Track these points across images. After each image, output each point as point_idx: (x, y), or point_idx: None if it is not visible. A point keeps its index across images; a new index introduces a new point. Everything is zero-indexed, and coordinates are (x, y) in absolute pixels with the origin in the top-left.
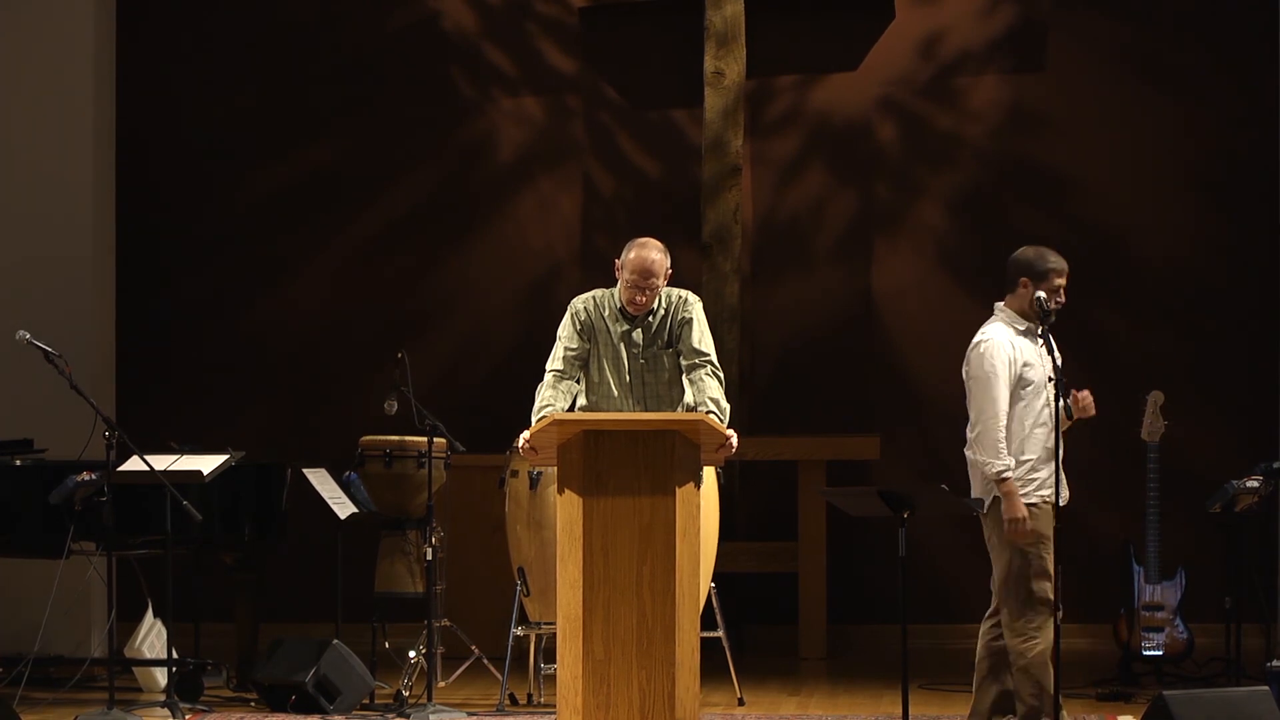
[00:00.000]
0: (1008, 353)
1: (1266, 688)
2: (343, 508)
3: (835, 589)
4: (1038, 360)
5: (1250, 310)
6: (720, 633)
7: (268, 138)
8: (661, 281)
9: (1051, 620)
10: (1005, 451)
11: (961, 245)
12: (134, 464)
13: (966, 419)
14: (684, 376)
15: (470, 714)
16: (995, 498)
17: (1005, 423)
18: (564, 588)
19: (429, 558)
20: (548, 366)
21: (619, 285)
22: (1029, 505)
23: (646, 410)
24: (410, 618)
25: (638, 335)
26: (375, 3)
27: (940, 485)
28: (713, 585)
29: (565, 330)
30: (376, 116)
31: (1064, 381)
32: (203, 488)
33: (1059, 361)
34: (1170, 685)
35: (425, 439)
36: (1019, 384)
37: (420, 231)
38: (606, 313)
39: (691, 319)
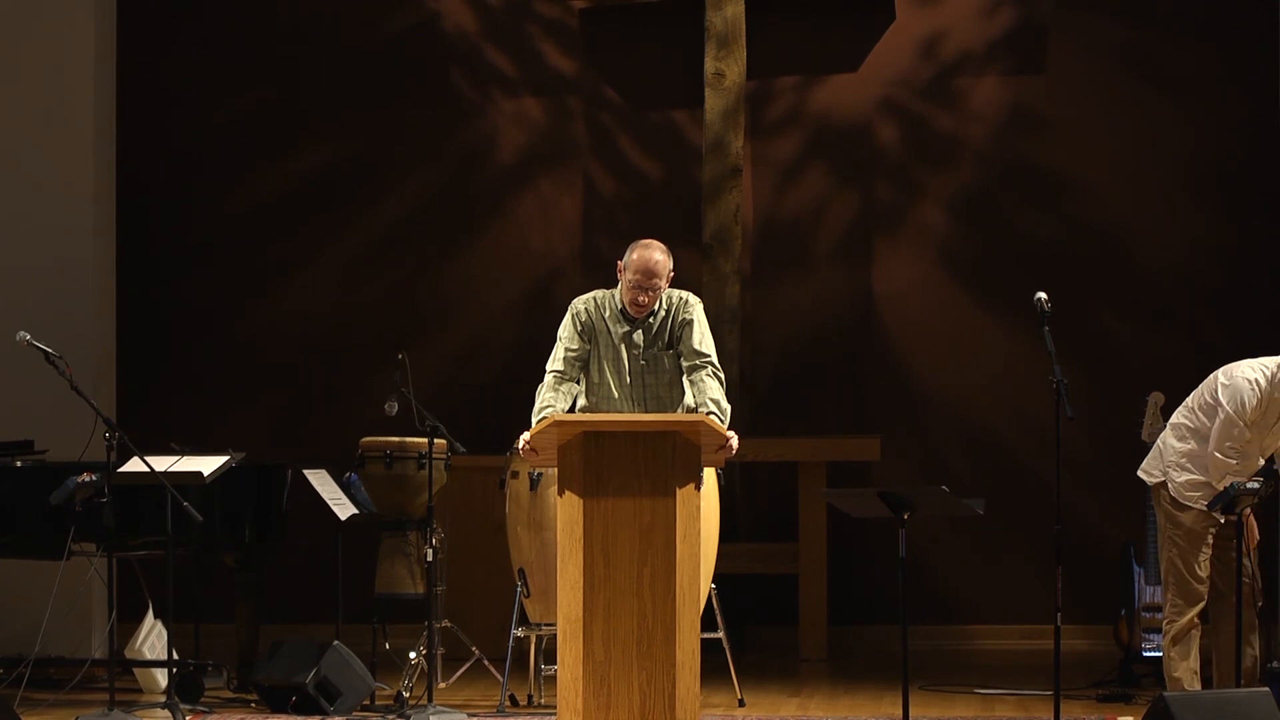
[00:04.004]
0: None
1: (1266, 689)
2: (343, 509)
3: (835, 590)
4: None
5: (1250, 311)
6: (721, 634)
7: (268, 139)
8: (664, 282)
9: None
10: None
11: (962, 246)
12: (134, 465)
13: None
14: (684, 378)
15: (471, 715)
16: None
17: None
18: (564, 589)
19: (429, 559)
20: (548, 367)
21: (620, 286)
22: None
23: (646, 411)
24: (411, 619)
25: (638, 336)
26: (375, 4)
27: (940, 486)
28: (713, 586)
29: (566, 331)
30: (377, 118)
31: (1065, 382)
32: (203, 489)
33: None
34: None
35: (425, 440)
36: None
37: (421, 233)
38: (607, 314)
39: (692, 320)
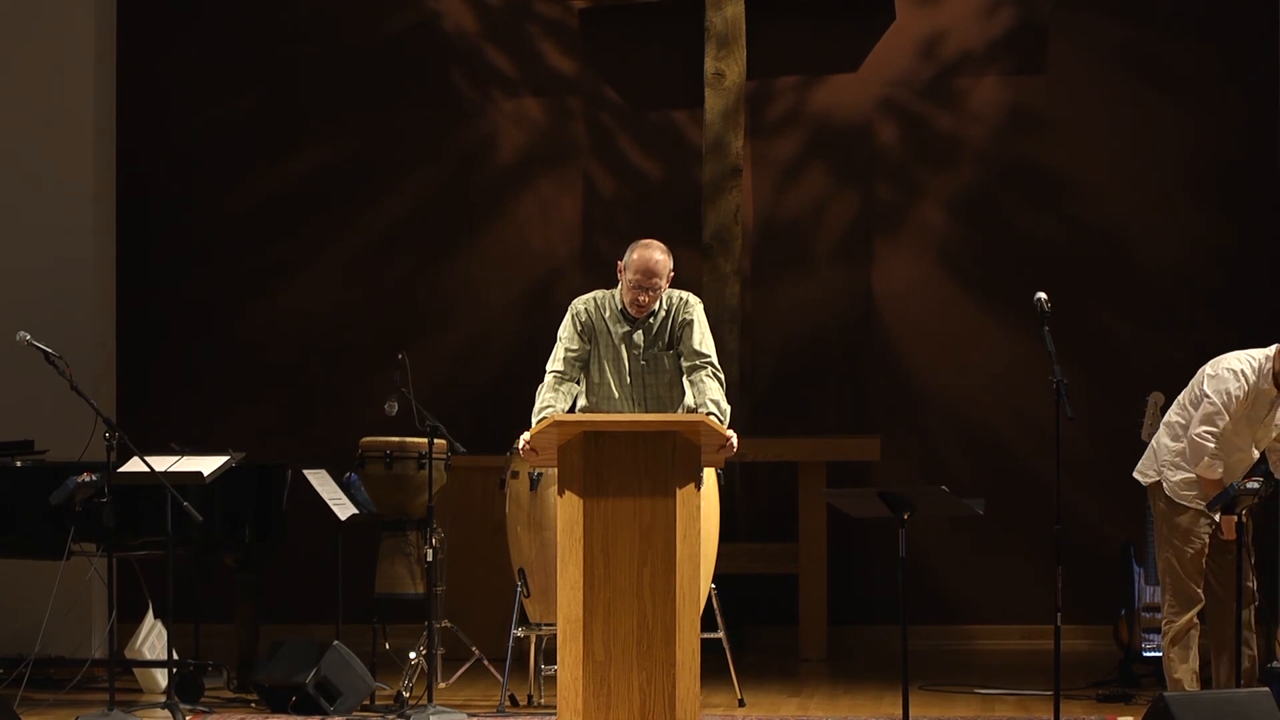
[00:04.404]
0: None
1: (1266, 689)
2: (343, 509)
3: (835, 590)
4: None
5: (1250, 311)
6: (721, 634)
7: (269, 139)
8: (664, 282)
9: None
10: None
11: (962, 246)
12: (134, 465)
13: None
14: (684, 378)
15: (471, 715)
16: None
17: None
18: (564, 589)
19: (429, 559)
20: (548, 367)
21: (621, 286)
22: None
23: (647, 411)
24: (411, 619)
25: (638, 336)
26: (375, 4)
27: (940, 486)
28: (713, 586)
29: (566, 331)
30: (377, 118)
31: (1065, 382)
32: (203, 489)
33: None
34: None
35: (425, 440)
36: None
37: (421, 233)
38: (607, 314)
39: (692, 320)
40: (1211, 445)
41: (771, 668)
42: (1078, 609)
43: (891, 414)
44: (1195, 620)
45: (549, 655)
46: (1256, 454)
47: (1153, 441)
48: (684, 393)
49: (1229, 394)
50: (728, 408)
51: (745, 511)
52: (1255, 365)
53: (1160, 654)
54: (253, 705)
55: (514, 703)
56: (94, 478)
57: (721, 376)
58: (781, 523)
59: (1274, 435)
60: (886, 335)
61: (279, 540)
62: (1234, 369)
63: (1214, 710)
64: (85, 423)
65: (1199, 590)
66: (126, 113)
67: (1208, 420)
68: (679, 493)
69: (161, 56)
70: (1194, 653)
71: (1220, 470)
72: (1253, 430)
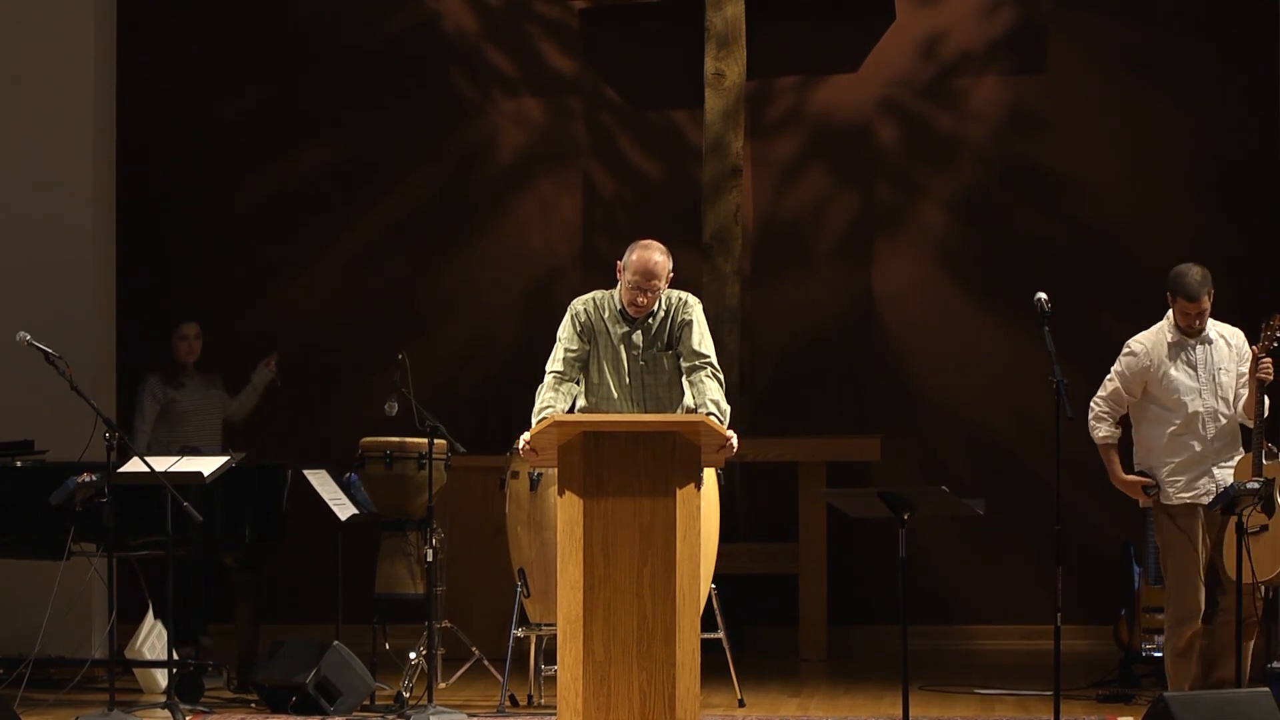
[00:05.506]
0: None
1: (1266, 689)
2: (343, 509)
3: (835, 590)
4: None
5: (1251, 310)
6: (721, 634)
7: (269, 139)
8: (663, 283)
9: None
10: None
11: (962, 246)
12: (134, 465)
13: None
14: (684, 378)
15: (471, 715)
16: None
17: None
18: (564, 589)
19: (429, 559)
20: (548, 368)
21: (620, 286)
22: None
23: (646, 412)
24: (411, 619)
25: (638, 337)
26: (375, 4)
27: (940, 486)
28: (713, 586)
29: (565, 331)
30: (377, 118)
31: (1065, 382)
32: (203, 489)
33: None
34: None
35: (425, 440)
36: None
37: (421, 233)
38: (606, 314)
39: (691, 321)
40: (1098, 408)
41: (771, 668)
42: (1078, 609)
43: (891, 414)
44: (1199, 625)
45: (549, 655)
46: (1225, 415)
47: None
48: (683, 393)
49: (1121, 364)
50: (727, 408)
51: (745, 511)
52: (1154, 328)
53: (1160, 654)
54: (253, 705)
55: (514, 703)
56: (94, 478)
57: (721, 377)
58: (781, 523)
59: (1239, 379)
60: (886, 335)
61: (279, 540)
62: (1129, 343)
63: (1214, 710)
64: (85, 423)
65: (1201, 599)
66: (127, 112)
67: (1101, 388)
68: (679, 493)
69: (162, 56)
70: (1196, 655)
71: (1101, 433)
72: (1213, 384)
